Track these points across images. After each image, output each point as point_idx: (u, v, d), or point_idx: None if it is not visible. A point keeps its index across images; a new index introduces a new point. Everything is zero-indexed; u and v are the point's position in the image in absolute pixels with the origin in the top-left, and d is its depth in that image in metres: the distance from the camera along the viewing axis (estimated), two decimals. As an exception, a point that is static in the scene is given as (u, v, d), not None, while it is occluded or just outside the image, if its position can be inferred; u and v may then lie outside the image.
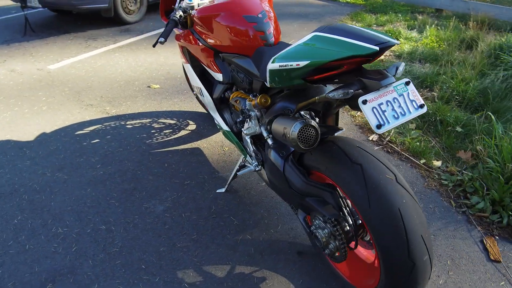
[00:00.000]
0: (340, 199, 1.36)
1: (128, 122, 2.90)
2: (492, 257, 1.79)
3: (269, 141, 1.57)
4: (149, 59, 4.16)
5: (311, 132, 1.22)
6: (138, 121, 2.93)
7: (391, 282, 1.21)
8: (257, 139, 1.77)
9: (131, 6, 5.33)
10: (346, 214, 1.36)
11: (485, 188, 2.12)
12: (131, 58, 4.16)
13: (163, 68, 3.92)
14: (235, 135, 1.90)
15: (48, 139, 2.67)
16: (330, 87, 1.45)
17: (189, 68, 2.07)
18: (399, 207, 1.14)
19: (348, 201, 1.38)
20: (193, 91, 2.92)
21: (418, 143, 2.60)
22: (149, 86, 3.51)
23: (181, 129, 2.82)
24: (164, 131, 2.78)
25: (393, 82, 1.07)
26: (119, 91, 3.40)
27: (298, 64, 1.12)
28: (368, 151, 1.27)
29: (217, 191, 2.17)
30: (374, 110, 1.04)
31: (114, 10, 5.05)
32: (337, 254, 1.42)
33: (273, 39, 1.63)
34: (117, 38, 4.84)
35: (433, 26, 4.81)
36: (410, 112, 1.07)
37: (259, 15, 1.63)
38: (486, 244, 1.86)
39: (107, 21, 5.45)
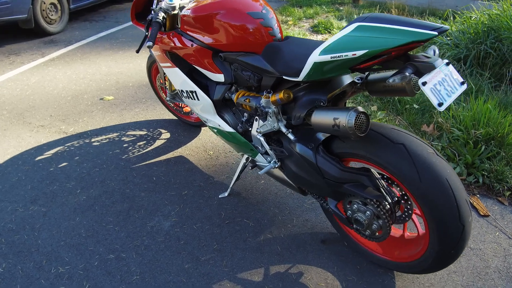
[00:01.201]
0: (376, 181, 1.40)
1: (93, 140, 2.62)
2: (481, 213, 2.00)
3: (291, 136, 1.54)
4: (90, 70, 3.79)
5: (363, 119, 1.23)
6: (104, 137, 2.66)
7: (444, 247, 1.28)
8: (267, 136, 1.72)
9: (52, 15, 4.79)
10: (385, 193, 1.40)
11: (457, 155, 2.34)
12: (69, 71, 3.75)
13: (110, 78, 3.61)
14: (241, 135, 1.83)
15: (4, 171, 2.29)
16: (348, 77, 1.47)
17: (176, 72, 1.92)
18: (446, 177, 1.22)
19: (383, 182, 1.42)
20: (161, 97, 2.74)
21: (386, 123, 2.78)
22: (102, 99, 3.20)
23: (155, 139, 2.62)
24: (138, 144, 2.57)
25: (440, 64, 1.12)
26: (69, 108, 3.05)
27: (355, 54, 1.12)
28: (403, 132, 1.32)
29: (219, 196, 2.07)
30: (432, 90, 1.08)
31: (34, 20, 4.49)
32: (378, 233, 1.46)
33: (280, 34, 1.60)
34: (44, 51, 4.31)
35: (360, 15, 5.16)
36: (457, 89, 1.14)
37: (263, 11, 1.58)
38: (472, 203, 2.07)
39: (25, 33, 4.84)
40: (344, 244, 1.77)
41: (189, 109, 2.64)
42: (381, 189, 1.41)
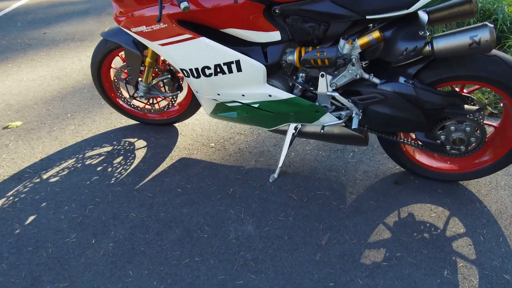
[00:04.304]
0: (465, 97, 1.46)
1: (45, 176, 1.81)
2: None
3: (376, 80, 1.44)
4: None
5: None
6: (57, 168, 1.87)
7: None
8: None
9: None
10: (479, 105, 1.47)
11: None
12: None
13: (-11, 101, 2.53)
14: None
15: None
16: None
17: (202, 43, 1.44)
18: None
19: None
20: (114, 99, 2.09)
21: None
22: (7, 127, 2.22)
23: (132, 151, 2.01)
24: (115, 162, 1.91)
25: None
26: (-38, 151, 2.00)
27: None
28: None
29: (271, 181, 1.77)
30: None
31: None
32: (472, 145, 1.53)
33: None
34: None
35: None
36: None
37: None
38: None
39: None
40: (413, 177, 1.78)
41: (163, 105, 2.10)
42: (470, 103, 1.48)
